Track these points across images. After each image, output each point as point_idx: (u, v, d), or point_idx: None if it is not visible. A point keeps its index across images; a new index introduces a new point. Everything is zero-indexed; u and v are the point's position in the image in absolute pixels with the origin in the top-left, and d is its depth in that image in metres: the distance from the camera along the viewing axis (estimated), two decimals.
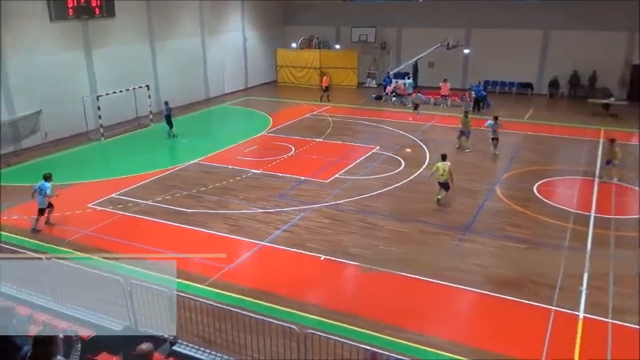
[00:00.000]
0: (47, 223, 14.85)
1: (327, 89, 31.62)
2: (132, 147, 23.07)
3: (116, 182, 18.23)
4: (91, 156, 21.99)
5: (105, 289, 9.99)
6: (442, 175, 15.64)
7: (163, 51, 29.04)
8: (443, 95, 30.28)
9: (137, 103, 26.13)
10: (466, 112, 22.52)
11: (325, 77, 32.46)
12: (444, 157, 16.07)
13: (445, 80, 30.24)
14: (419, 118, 26.83)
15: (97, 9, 24.37)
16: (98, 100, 23.74)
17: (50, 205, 14.71)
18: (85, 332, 8.35)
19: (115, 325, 9.25)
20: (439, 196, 15.92)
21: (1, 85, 21.22)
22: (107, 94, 24.22)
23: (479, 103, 28.42)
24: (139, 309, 9.39)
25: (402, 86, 31.34)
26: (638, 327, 10.00)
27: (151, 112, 26.27)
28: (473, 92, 28.99)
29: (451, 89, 30.48)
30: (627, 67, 30.31)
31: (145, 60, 28.19)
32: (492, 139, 20.84)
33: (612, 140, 17.82)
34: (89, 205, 16.22)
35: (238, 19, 35.13)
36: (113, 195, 17.02)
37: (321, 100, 31.18)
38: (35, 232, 14.44)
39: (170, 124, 23.79)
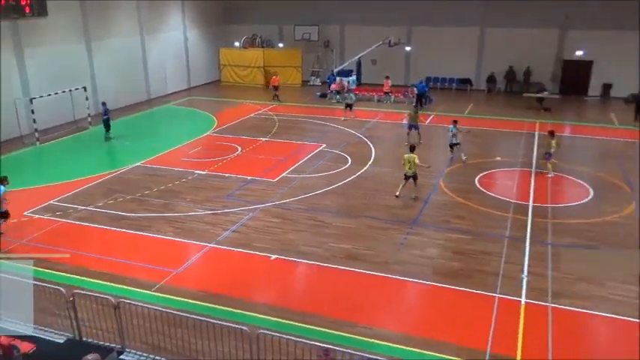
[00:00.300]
0: None
1: (276, 88, 31.34)
2: (70, 151, 22.18)
3: (54, 188, 17.49)
4: (26, 162, 20.98)
5: (46, 300, 9.61)
6: (409, 168, 15.84)
7: (101, 51, 28.08)
8: (385, 92, 30.78)
9: (74, 106, 25.16)
10: (415, 107, 23.23)
11: (275, 76, 32.14)
12: (411, 149, 16.23)
13: (387, 77, 30.78)
14: (352, 117, 26.27)
15: (26, 7, 23.20)
16: (32, 102, 22.67)
17: (4, 215, 13.78)
18: (25, 346, 7.97)
19: (57, 338, 8.89)
20: (397, 193, 16.17)
21: None
22: (42, 96, 23.18)
23: (421, 99, 29.07)
24: (83, 319, 9.08)
25: (346, 84, 31.62)
26: (575, 309, 10.53)
27: (89, 115, 25.35)
28: (415, 89, 29.61)
29: (393, 86, 31.03)
30: (558, 62, 31.82)
31: (82, 60, 27.16)
32: (454, 144, 19.52)
33: (552, 133, 18.57)
34: (25, 214, 15.49)
35: (179, 18, 34.43)
36: (51, 202, 16.32)
37: (273, 100, 30.89)
38: None
39: (107, 126, 23.02)
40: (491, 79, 33.20)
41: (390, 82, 30.73)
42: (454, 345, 9.49)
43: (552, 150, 18.05)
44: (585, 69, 31.27)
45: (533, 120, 25.98)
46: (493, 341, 9.60)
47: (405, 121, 22.42)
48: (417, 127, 22.13)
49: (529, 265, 12.26)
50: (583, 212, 15.25)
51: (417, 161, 15.83)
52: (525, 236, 13.76)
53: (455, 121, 19.81)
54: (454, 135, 19.41)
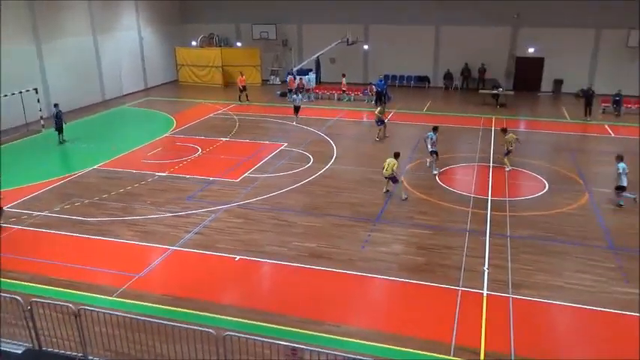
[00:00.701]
0: None
1: (244, 88, 30.75)
2: (22, 155, 21.37)
3: (7, 194, 16.78)
4: None
5: (2, 310, 9.24)
6: (386, 169, 16.04)
7: (52, 51, 27.19)
8: (342, 90, 30.97)
9: (25, 108, 24.27)
10: (382, 104, 24.50)
11: (242, 77, 31.51)
12: (396, 156, 16.29)
13: (343, 75, 30.97)
14: (298, 120, 25.52)
15: None
16: None
17: None
18: None
19: (15, 348, 8.56)
20: (387, 188, 16.54)
21: None
22: None
23: (381, 97, 29.35)
24: (42, 328, 8.78)
25: (306, 83, 31.65)
26: (534, 299, 10.86)
27: (41, 117, 24.52)
28: (374, 87, 29.90)
29: (349, 83, 31.36)
30: (511, 59, 32.71)
31: (31, 61, 26.23)
32: (432, 152, 18.41)
33: (504, 130, 19.13)
34: None
35: (133, 18, 33.68)
36: (4, 208, 15.65)
37: (240, 100, 30.43)
38: None
39: (60, 128, 22.31)
40: (448, 77, 33.84)
41: (344, 81, 30.96)
42: (420, 339, 9.63)
43: (512, 147, 18.57)
44: (537, 65, 32.27)
45: (490, 116, 26.64)
46: (457, 333, 9.80)
47: (375, 119, 22.84)
48: (383, 122, 22.71)
49: (490, 258, 12.57)
50: (539, 205, 15.73)
51: (395, 168, 16.00)
52: (485, 230, 14.10)
53: (435, 128, 18.73)
54: (433, 143, 18.33)
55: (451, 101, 30.96)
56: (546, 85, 32.59)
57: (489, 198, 16.20)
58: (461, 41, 32.75)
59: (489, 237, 13.67)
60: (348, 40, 32.15)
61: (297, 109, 25.79)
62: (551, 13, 30.40)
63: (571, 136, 23.40)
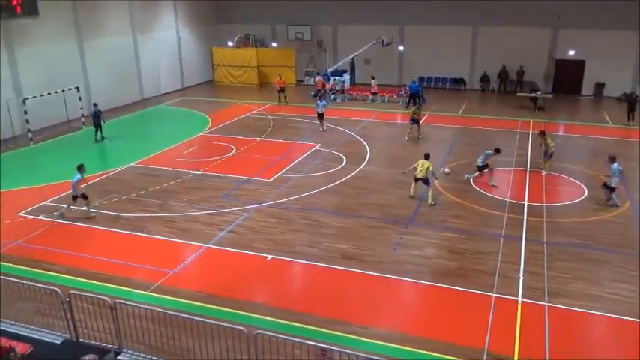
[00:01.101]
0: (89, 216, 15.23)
1: (282, 90, 30.39)
2: (64, 151, 22.03)
3: (49, 189, 17.39)
4: (19, 162, 20.83)
5: (42, 301, 9.56)
6: (420, 171, 15.85)
7: (93, 51, 27.94)
8: (373, 92, 30.99)
9: (67, 106, 25.01)
10: (418, 105, 24.67)
11: (280, 78, 31.02)
12: (426, 157, 16.19)
13: (372, 77, 31.01)
14: (324, 129, 24.20)
15: (18, 7, 23.07)
16: (25, 103, 22.52)
17: (83, 196, 15.09)
18: (22, 347, 7.92)
19: (54, 338, 8.82)
20: (411, 193, 16.29)
21: None
22: (34, 96, 23.04)
23: (415, 99, 29.08)
24: (80, 320, 9.03)
25: (335, 84, 31.76)
26: (571, 308, 10.58)
27: (82, 115, 25.21)
28: (408, 88, 29.67)
29: (383, 85, 31.38)
30: (551, 61, 31.96)
31: (74, 60, 27.02)
32: (479, 167, 17.41)
33: (542, 133, 18.73)
34: (19, 214, 15.39)
35: (171, 18, 34.31)
36: (46, 202, 16.23)
37: (279, 101, 30.26)
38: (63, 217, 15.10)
39: (98, 126, 22.92)
40: (484, 79, 33.30)
41: (373, 82, 30.96)
42: (451, 344, 9.51)
43: (552, 150, 18.17)
44: (577, 68, 31.44)
45: (527, 119, 26.10)
46: (490, 340, 9.63)
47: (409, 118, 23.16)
48: (417, 122, 22.75)
49: (525, 264, 12.31)
50: (578, 211, 15.34)
51: (430, 169, 15.87)
52: (521, 235, 13.82)
53: (497, 150, 17.68)
54: (487, 158, 17.40)
55: (487, 104, 30.47)
56: (587, 89, 31.72)
57: (525, 203, 15.88)
58: (499, 43, 32.18)
59: (525, 243, 13.39)
60: (383, 41, 31.99)
61: (320, 116, 24.16)
62: (592, 14, 29.55)
63: (612, 141, 22.70)
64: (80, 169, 15.13)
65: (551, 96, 29.48)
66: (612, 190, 15.48)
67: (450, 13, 32.54)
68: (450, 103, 30.26)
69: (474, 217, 14.97)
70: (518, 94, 30.00)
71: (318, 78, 31.99)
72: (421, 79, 33.25)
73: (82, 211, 15.36)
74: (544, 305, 10.70)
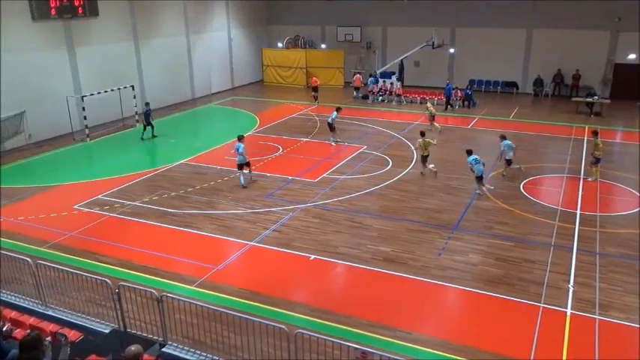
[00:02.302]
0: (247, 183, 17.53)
1: (315, 89, 31.14)
2: (118, 148, 22.85)
3: (102, 183, 18.06)
4: (76, 157, 21.76)
5: (93, 291, 9.93)
6: (423, 149, 18.12)
7: (148, 50, 28.83)
8: (398, 94, 31.21)
9: (122, 104, 25.91)
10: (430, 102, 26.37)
11: (314, 77, 32.15)
12: (422, 134, 18.51)
13: (398, 79, 31.72)
14: (339, 144, 22.36)
15: (80, 8, 24.11)
16: (83, 100, 23.48)
17: (248, 164, 17.66)
18: (74, 335, 8.25)
19: (103, 328, 9.16)
20: (423, 170, 18.40)
21: None
22: (92, 94, 23.99)
23: (449, 101, 29.07)
24: (128, 311, 9.33)
25: (389, 85, 31.61)
26: (623, 322, 10.13)
27: (136, 113, 26.04)
28: (458, 90, 29.28)
29: (433, 88, 31.29)
30: (609, 65, 30.70)
31: (130, 60, 27.96)
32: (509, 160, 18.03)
33: (595, 132, 18.05)
34: (75, 207, 16.05)
35: (223, 19, 34.98)
36: (99, 196, 16.85)
37: (315, 101, 30.75)
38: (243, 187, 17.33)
39: (149, 124, 23.60)
40: (538, 83, 32.32)
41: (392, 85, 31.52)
42: (496, 354, 9.29)
43: (600, 154, 17.51)
44: (638, 73, 30.07)
45: (582, 125, 25.17)
46: (536, 351, 9.35)
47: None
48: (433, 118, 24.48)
49: (575, 275, 11.88)
50: (634, 222, 14.67)
51: (433, 142, 18.48)
52: (572, 245, 13.34)
53: (503, 136, 18.53)
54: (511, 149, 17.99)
55: (540, 108, 29.56)
56: None
57: (578, 212, 15.32)
58: (554, 45, 31.16)
59: (576, 253, 12.93)
60: (433, 43, 31.60)
61: (331, 127, 22.29)
62: None
63: None
64: (240, 139, 17.80)
65: (608, 101, 28.31)
66: (510, 162, 17.83)
67: (505, 15, 31.78)
68: (500, 107, 29.56)
69: (522, 225, 14.56)
70: (574, 98, 28.96)
71: (357, 76, 32.03)
72: (471, 82, 32.67)
73: (132, 205, 15.88)
74: (594, 318, 10.30)
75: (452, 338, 9.80)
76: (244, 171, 17.56)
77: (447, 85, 29.51)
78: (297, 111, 29.01)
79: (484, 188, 16.74)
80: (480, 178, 16.60)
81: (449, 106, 28.93)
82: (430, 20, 33.19)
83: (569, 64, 31.10)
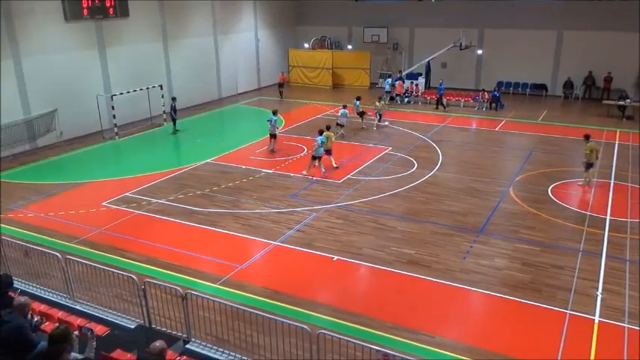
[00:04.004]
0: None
1: (281, 85, 32.93)
2: (146, 146, 23.22)
3: (130, 181, 18.36)
4: (105, 155, 22.18)
5: (119, 286, 10.10)
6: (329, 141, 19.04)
7: (176, 51, 29.21)
8: (397, 94, 31.42)
9: (151, 103, 26.30)
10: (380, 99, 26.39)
11: (281, 73, 33.78)
12: (327, 128, 19.69)
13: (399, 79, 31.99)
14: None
15: (111, 9, 24.57)
16: (112, 99, 23.92)
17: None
18: (100, 329, 8.41)
19: (129, 323, 9.30)
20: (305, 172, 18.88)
21: (17, 85, 21.50)
22: (121, 93, 24.43)
23: (441, 101, 29.28)
24: (153, 307, 9.46)
25: (411, 85, 31.59)
26: None
27: (164, 112, 26.42)
28: (485, 92, 28.96)
29: (457, 89, 31.15)
30: None
31: (159, 59, 28.37)
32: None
33: (587, 137, 17.65)
34: (103, 204, 16.35)
35: (251, 19, 35.22)
36: (127, 193, 17.13)
37: (281, 96, 32.60)
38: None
39: (173, 120, 24.57)
40: (568, 85, 31.69)
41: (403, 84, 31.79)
42: None
43: (586, 160, 17.09)
44: None
45: (614, 129, 24.61)
46: (562, 359, 9.17)
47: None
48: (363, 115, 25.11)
49: (604, 282, 11.62)
50: None
51: (333, 139, 19.61)
52: (601, 251, 13.05)
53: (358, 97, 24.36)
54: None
55: (570, 111, 29.00)
56: None
57: (608, 217, 14.98)
58: (585, 47, 30.55)
59: (605, 259, 12.64)
60: (461, 44, 31.29)
61: (361, 114, 23.23)
62: None
63: None
64: (275, 113, 21.20)
65: None
66: (316, 158, 18.54)
67: (534, 16, 31.30)
68: (529, 109, 29.11)
69: (550, 230, 14.30)
70: (605, 101, 28.32)
71: (399, 82, 31.69)
72: (499, 84, 32.27)
73: (159, 203, 16.11)
74: (623, 327, 10.05)
75: (476, 343, 9.68)
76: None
77: (440, 84, 29.55)
78: (322, 111, 29.02)
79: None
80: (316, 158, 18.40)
81: (439, 106, 29.30)
82: (458, 21, 32.87)
83: (601, 66, 30.42)
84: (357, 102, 25.24)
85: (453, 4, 33.07)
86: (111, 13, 24.66)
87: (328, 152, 19.18)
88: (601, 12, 29.40)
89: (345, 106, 23.83)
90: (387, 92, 31.19)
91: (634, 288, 11.35)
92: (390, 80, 31.79)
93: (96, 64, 24.83)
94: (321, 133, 18.93)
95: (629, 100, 27.20)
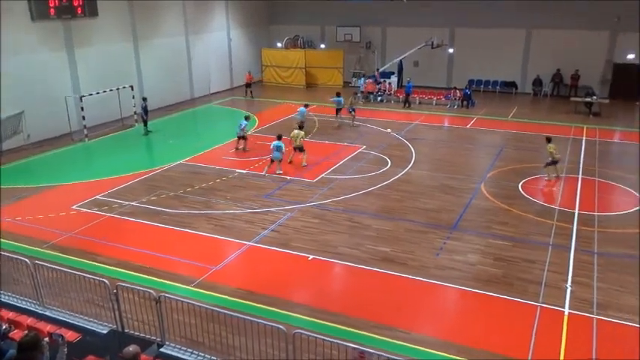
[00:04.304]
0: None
1: (249, 85, 33.05)
2: (116, 147, 22.84)
3: (101, 183, 18.05)
4: (75, 157, 21.74)
5: (90, 291, 9.91)
6: (296, 140, 19.32)
7: (147, 51, 28.81)
8: (369, 92, 31.78)
9: (121, 104, 25.89)
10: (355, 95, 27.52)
11: (249, 74, 33.62)
12: (300, 127, 20.19)
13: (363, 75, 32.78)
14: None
15: (79, 8, 24.07)
16: (82, 100, 23.46)
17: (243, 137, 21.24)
18: (71, 335, 8.24)
19: (101, 328, 9.13)
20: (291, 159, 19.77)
21: None
22: (91, 94, 23.98)
23: (408, 99, 29.70)
24: (125, 311, 9.31)
25: (384, 84, 31.76)
26: (621, 322, 10.14)
27: (135, 113, 26.03)
28: (457, 90, 29.31)
29: (429, 88, 31.49)
30: (609, 65, 30.72)
31: (129, 60, 27.94)
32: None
33: (548, 139, 18.25)
34: (73, 207, 16.03)
35: (223, 19, 34.96)
36: (98, 196, 16.84)
37: (245, 96, 32.81)
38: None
39: (144, 120, 24.29)
40: (537, 82, 32.33)
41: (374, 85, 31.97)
42: (494, 353, 9.28)
43: (550, 158, 17.67)
44: (637, 73, 30.07)
45: (581, 125, 25.20)
46: (534, 351, 9.35)
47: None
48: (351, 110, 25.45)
49: (573, 275, 11.89)
50: (632, 221, 14.68)
51: (302, 137, 19.49)
52: (570, 244, 13.35)
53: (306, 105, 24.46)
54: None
55: (539, 108, 29.58)
56: None
57: (576, 211, 15.33)
58: (553, 45, 31.19)
59: (574, 252, 12.93)
60: (432, 43, 31.64)
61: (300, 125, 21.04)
62: None
63: None
64: (247, 118, 21.51)
65: (607, 101, 28.34)
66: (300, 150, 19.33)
67: (504, 15, 31.79)
68: (500, 106, 29.60)
69: (521, 225, 14.57)
70: (573, 98, 28.99)
71: (368, 81, 31.92)
72: (470, 82, 32.74)
73: (130, 205, 15.88)
74: (592, 318, 10.30)
75: (450, 338, 9.80)
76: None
77: (408, 82, 30.02)
78: (296, 111, 28.92)
79: None
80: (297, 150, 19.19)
81: (406, 104, 29.78)
82: (430, 20, 33.25)
83: (569, 64, 31.14)
84: (340, 98, 25.56)
85: (425, 4, 33.35)
86: (79, 12, 24.16)
87: (300, 149, 19.48)
88: (568, 11, 30.01)
89: (306, 105, 24.82)
90: (361, 92, 31.37)
91: (602, 280, 11.65)
92: (363, 80, 31.99)
93: (64, 65, 24.32)
94: (279, 137, 18.90)
95: (595, 97, 27.87)
